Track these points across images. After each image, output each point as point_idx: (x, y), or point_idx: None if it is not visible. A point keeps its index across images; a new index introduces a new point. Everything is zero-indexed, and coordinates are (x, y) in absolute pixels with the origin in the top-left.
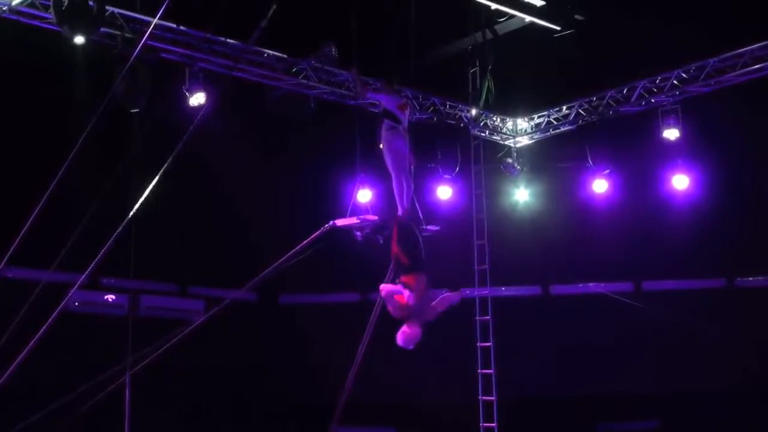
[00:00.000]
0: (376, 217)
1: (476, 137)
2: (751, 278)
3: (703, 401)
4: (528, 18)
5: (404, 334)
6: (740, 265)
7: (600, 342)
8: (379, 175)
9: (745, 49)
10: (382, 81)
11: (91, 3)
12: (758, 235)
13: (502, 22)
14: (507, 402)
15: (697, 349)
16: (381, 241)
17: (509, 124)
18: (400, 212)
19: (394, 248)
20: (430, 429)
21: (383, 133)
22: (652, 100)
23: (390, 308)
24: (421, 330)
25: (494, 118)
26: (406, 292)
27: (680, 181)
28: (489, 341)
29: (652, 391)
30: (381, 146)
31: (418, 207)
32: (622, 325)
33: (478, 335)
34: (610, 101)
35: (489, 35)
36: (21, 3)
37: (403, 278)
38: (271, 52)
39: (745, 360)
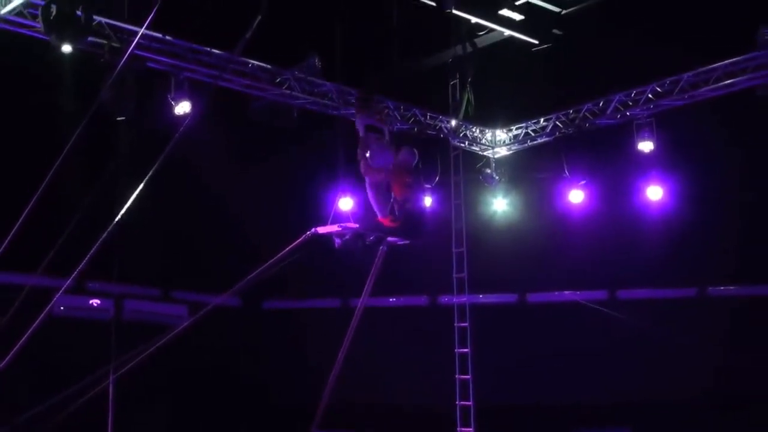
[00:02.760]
0: (356, 225)
1: (456, 148)
2: (722, 287)
3: (675, 409)
4: (507, 32)
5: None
6: (712, 274)
7: (575, 349)
8: (360, 184)
9: (718, 64)
10: (358, 101)
11: (78, 13)
12: (730, 245)
13: (481, 35)
14: (484, 407)
15: (669, 356)
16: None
17: (488, 135)
18: (379, 217)
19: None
20: None
21: (370, 144)
22: (628, 113)
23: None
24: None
25: (473, 129)
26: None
27: (654, 192)
28: (467, 347)
29: (626, 398)
30: (367, 155)
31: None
32: (597, 333)
33: (456, 341)
34: (586, 114)
35: (469, 48)
36: (9, 12)
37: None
38: (255, 62)
39: (716, 368)
